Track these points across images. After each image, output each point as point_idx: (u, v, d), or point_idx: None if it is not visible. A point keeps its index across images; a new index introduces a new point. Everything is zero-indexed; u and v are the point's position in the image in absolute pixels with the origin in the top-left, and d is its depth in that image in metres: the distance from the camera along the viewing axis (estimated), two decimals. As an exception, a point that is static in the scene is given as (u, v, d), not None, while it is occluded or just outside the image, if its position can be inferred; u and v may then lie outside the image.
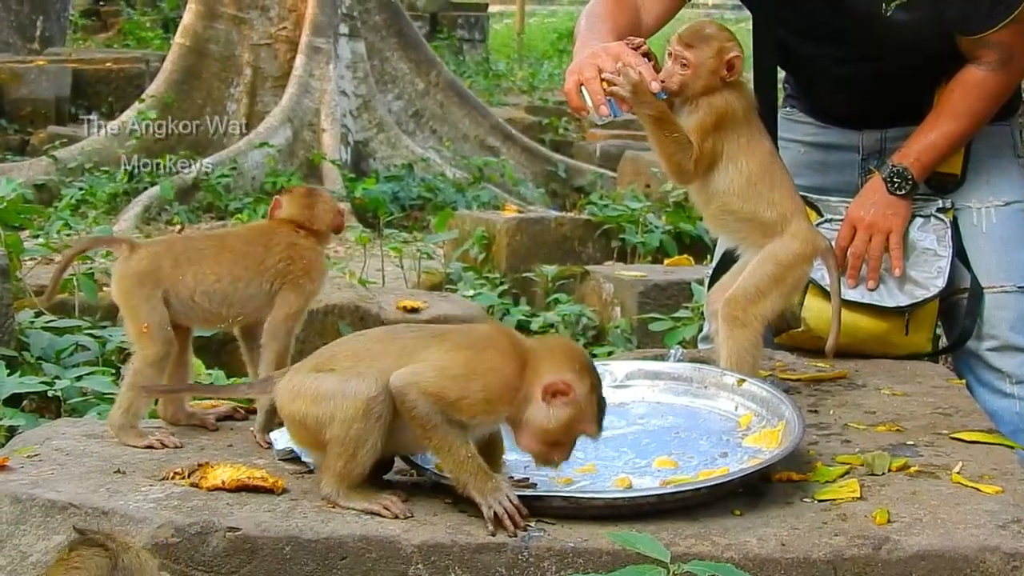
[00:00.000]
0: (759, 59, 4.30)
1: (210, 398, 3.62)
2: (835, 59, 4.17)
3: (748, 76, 3.88)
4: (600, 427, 2.92)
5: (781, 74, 4.49)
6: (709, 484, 2.91)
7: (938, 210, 4.17)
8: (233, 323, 3.51)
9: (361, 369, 2.86)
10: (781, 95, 4.55)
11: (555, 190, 14.78)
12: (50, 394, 5.17)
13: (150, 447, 3.27)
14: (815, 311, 4.04)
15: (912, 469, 3.13)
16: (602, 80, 3.60)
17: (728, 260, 3.98)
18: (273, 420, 3.26)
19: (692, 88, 3.62)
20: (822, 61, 4.23)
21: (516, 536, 2.74)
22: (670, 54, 3.65)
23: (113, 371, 5.55)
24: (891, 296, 4.10)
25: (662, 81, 3.59)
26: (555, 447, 2.88)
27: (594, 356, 6.79)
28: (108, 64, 16.75)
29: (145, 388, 3.34)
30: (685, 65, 3.61)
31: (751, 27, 4.31)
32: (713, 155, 3.64)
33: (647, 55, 3.67)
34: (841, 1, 3.95)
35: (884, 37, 3.99)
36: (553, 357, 2.89)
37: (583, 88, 3.64)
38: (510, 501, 2.77)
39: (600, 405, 2.91)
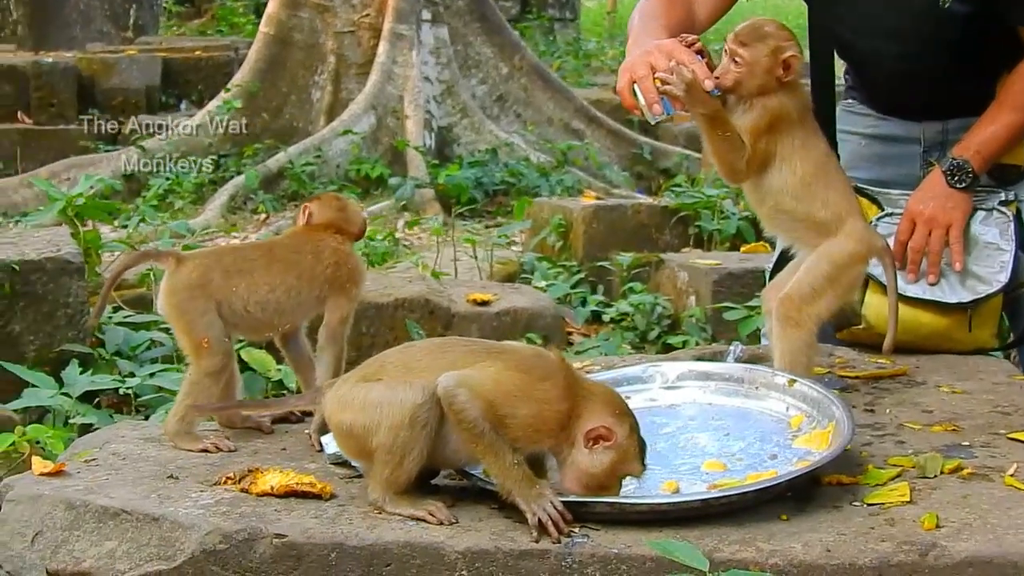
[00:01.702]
0: (816, 54, 4.27)
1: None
2: (893, 54, 4.13)
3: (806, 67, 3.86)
4: (644, 466, 2.94)
5: (840, 65, 4.45)
6: (754, 488, 2.90)
7: (1001, 203, 4.12)
8: (279, 332, 3.55)
9: (409, 379, 2.89)
10: (842, 87, 4.52)
11: (640, 172, 14.70)
12: (122, 391, 5.25)
13: (205, 451, 3.31)
14: (875, 308, 4.01)
15: (965, 472, 3.10)
16: (655, 78, 3.59)
17: (785, 259, 3.95)
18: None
19: (746, 87, 3.59)
20: (880, 56, 4.19)
21: (560, 542, 2.74)
22: (726, 51, 3.61)
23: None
24: (953, 292, 4.05)
25: (716, 78, 3.57)
26: (601, 490, 2.90)
27: (669, 346, 6.85)
28: (197, 52, 16.86)
29: (196, 407, 3.38)
30: (739, 63, 3.57)
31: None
32: (767, 155, 3.61)
33: (700, 52, 3.65)
34: None
35: (942, 31, 3.95)
36: (596, 402, 2.90)
37: (636, 86, 3.63)
38: (554, 507, 2.78)
39: (642, 447, 2.93)
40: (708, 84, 3.55)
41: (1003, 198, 4.13)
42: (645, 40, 3.80)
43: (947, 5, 3.89)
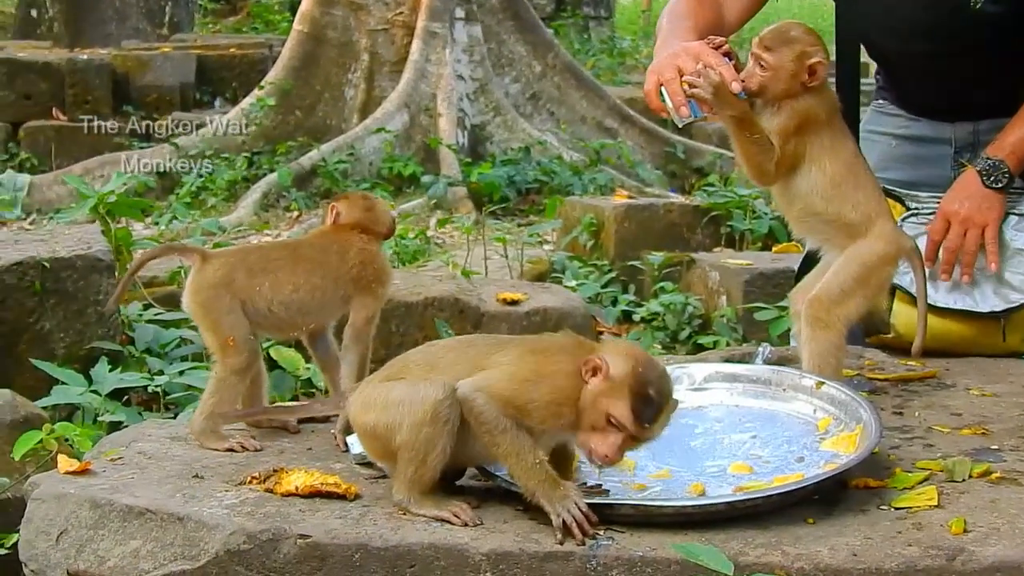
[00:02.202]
0: (843, 55, 4.25)
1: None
2: (924, 55, 4.10)
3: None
4: (635, 416, 2.79)
5: (870, 65, 4.43)
6: (780, 491, 2.89)
7: None
8: (305, 331, 3.55)
9: (431, 376, 2.89)
10: (872, 88, 4.49)
11: (674, 171, 14.68)
12: (151, 389, 5.26)
13: (230, 450, 3.31)
14: (904, 317, 3.98)
15: (994, 476, 3.08)
16: (682, 81, 3.58)
17: (812, 261, 3.93)
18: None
19: (772, 91, 3.58)
20: (911, 57, 4.17)
21: (585, 544, 2.73)
22: (752, 55, 3.60)
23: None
24: (984, 300, 4.01)
25: (742, 81, 3.56)
26: (594, 432, 2.83)
27: (699, 346, 6.82)
28: (232, 49, 16.91)
29: (222, 414, 3.38)
30: (765, 68, 3.56)
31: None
32: (795, 157, 3.60)
33: (728, 55, 3.64)
34: None
35: (973, 31, 3.92)
36: (608, 347, 2.89)
37: (663, 89, 3.62)
38: (579, 509, 2.76)
39: (638, 392, 2.79)
40: (735, 87, 3.54)
41: None
42: (673, 42, 3.79)
43: (978, 6, 3.86)
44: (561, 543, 2.74)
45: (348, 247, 3.53)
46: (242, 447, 3.32)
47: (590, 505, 2.79)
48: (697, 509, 2.86)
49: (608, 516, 2.81)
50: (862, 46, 4.32)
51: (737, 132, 3.58)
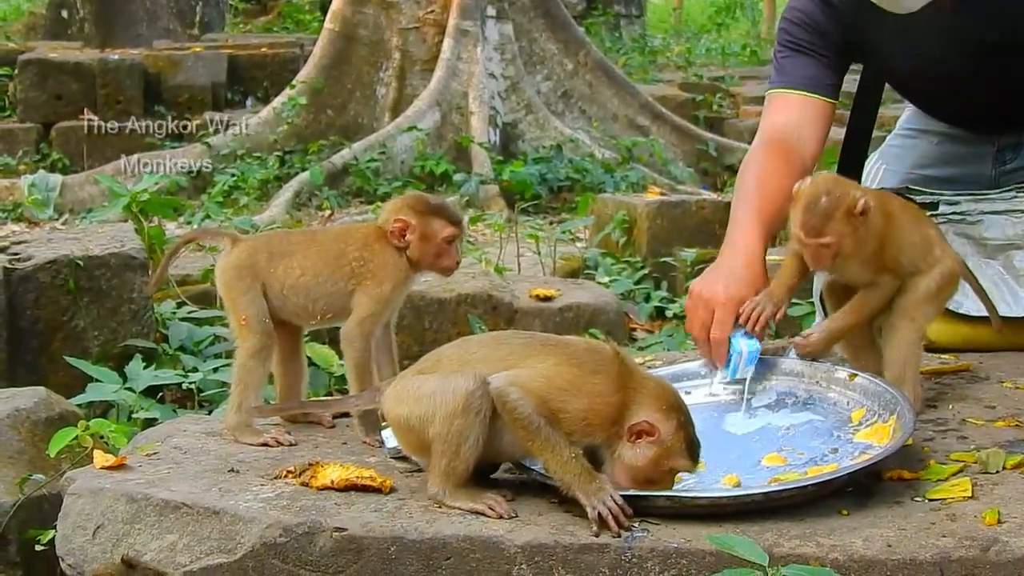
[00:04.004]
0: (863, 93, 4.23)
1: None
2: (952, 94, 4.08)
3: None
4: (694, 462, 2.91)
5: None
6: (815, 482, 2.89)
7: None
8: (323, 320, 3.53)
9: (463, 369, 2.89)
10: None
11: (706, 168, 14.68)
12: (185, 386, 5.27)
13: (265, 445, 3.33)
14: (935, 327, 3.93)
15: (1027, 467, 3.07)
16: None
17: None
18: (371, 423, 3.34)
19: (846, 253, 3.45)
20: (943, 94, 4.16)
21: (620, 536, 2.73)
22: (803, 244, 3.45)
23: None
24: (1018, 303, 4.00)
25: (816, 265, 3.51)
26: (650, 484, 2.88)
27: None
28: (263, 49, 16.98)
29: (258, 409, 3.41)
30: (827, 246, 3.42)
31: None
32: (897, 266, 3.53)
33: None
34: (954, 33, 3.86)
35: (989, 62, 3.89)
36: (646, 398, 2.89)
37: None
38: (614, 501, 2.77)
39: (690, 443, 2.90)
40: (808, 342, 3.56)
41: None
42: (740, 234, 3.77)
43: (984, 39, 3.83)
44: (597, 535, 2.74)
45: (355, 240, 3.52)
46: (276, 442, 3.33)
47: (625, 497, 2.79)
48: (732, 500, 2.86)
49: (643, 508, 2.81)
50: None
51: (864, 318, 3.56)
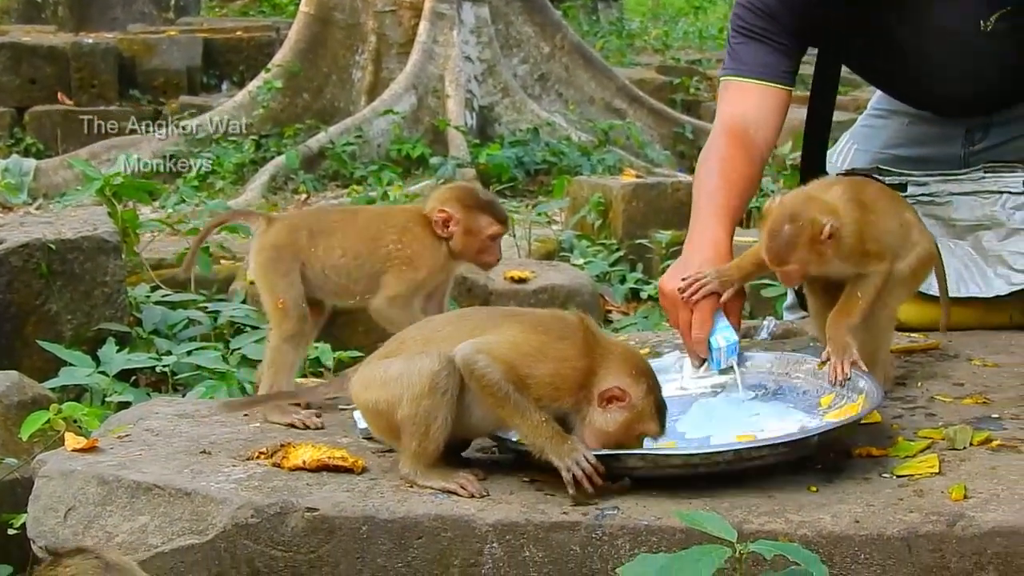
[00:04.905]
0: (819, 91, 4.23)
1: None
2: (945, 81, 4.07)
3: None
4: (662, 426, 2.95)
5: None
6: (786, 440, 2.92)
7: None
8: (363, 300, 3.54)
9: (428, 349, 2.90)
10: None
11: (683, 151, 14.67)
12: (159, 370, 5.26)
13: (292, 426, 3.32)
14: (904, 308, 3.93)
15: (994, 443, 3.10)
16: None
17: None
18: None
19: (821, 269, 3.42)
20: (915, 85, 4.17)
21: (594, 492, 2.78)
22: (776, 271, 3.44)
23: (223, 345, 5.62)
24: (989, 286, 4.03)
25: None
26: (619, 448, 2.90)
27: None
28: (238, 33, 16.91)
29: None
30: (794, 272, 3.41)
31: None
32: (881, 254, 3.48)
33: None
34: (925, 21, 3.87)
35: (988, 53, 3.90)
36: (614, 363, 2.91)
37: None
38: (588, 461, 2.80)
39: (660, 407, 2.93)
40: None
41: None
42: (704, 226, 3.77)
43: (989, 28, 3.83)
44: (574, 496, 2.77)
45: (395, 223, 3.54)
46: (304, 424, 3.33)
47: (598, 457, 2.82)
48: (704, 459, 2.89)
49: (615, 469, 2.84)
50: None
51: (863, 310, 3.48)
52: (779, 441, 2.91)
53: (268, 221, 3.56)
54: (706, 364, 3.54)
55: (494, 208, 3.59)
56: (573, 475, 2.78)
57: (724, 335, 3.53)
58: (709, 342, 3.52)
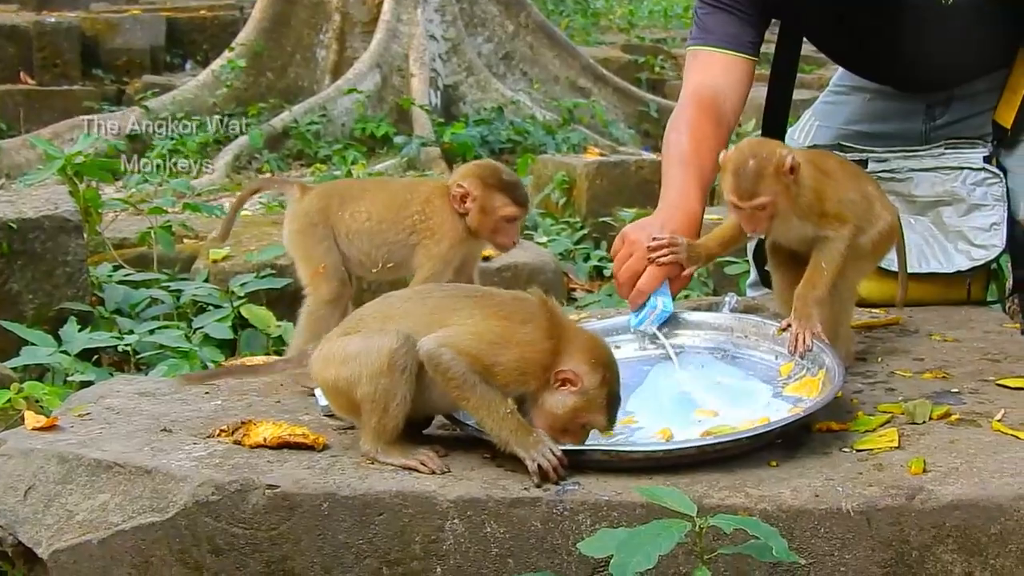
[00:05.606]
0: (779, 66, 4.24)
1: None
2: (901, 56, 4.07)
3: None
4: (610, 421, 2.94)
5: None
6: (748, 435, 2.91)
7: (985, 159, 4.11)
8: (384, 270, 3.58)
9: (386, 327, 2.90)
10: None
11: (647, 130, 14.70)
12: (121, 348, 5.24)
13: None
14: (865, 285, 3.95)
15: (953, 417, 3.12)
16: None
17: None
18: None
19: (784, 212, 3.41)
20: (876, 60, 4.18)
21: (559, 485, 2.77)
22: (737, 209, 3.42)
23: (186, 324, 5.61)
24: (950, 261, 4.06)
25: (754, 230, 3.48)
26: (564, 434, 2.91)
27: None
28: (202, 11, 16.87)
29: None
30: (762, 207, 3.38)
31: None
32: (840, 215, 3.47)
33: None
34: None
35: (949, 26, 3.91)
36: (576, 348, 2.91)
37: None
38: (553, 454, 2.79)
39: (611, 401, 2.92)
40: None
41: (986, 153, 4.12)
42: (674, 192, 3.79)
43: (950, 2, 3.84)
44: (539, 487, 2.77)
45: (419, 194, 3.58)
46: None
47: (562, 451, 2.81)
48: (666, 454, 2.88)
49: (579, 461, 2.84)
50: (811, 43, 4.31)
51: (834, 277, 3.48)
52: (742, 437, 2.91)
53: (302, 189, 3.62)
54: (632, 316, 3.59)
55: (514, 190, 3.60)
56: (539, 466, 2.78)
57: (663, 300, 3.57)
58: (649, 297, 3.56)
